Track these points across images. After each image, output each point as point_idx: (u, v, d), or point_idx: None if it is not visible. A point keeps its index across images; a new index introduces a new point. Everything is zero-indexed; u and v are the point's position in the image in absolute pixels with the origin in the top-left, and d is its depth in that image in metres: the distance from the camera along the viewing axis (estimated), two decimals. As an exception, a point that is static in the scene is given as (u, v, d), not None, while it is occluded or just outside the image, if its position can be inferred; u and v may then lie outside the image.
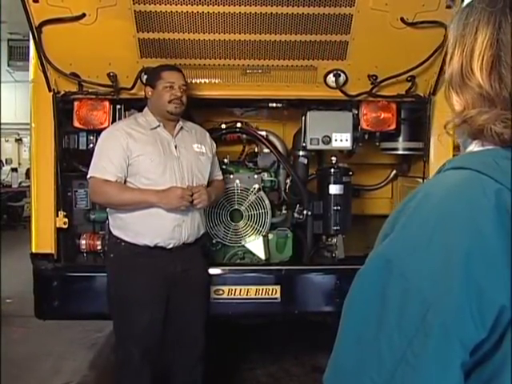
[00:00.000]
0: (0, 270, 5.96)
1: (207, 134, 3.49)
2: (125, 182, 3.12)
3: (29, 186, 3.90)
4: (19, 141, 16.15)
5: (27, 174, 12.57)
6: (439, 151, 3.76)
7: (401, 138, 3.95)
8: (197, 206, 3.15)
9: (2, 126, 15.70)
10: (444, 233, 0.84)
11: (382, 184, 4.46)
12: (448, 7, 3.13)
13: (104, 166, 3.10)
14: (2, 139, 15.68)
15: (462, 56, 0.95)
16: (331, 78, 3.56)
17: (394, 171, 4.41)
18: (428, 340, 0.81)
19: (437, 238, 0.84)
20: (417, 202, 0.90)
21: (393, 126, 3.78)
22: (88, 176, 3.17)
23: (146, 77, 3.40)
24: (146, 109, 3.31)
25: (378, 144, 3.98)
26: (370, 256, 0.93)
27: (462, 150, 1.00)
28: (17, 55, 14.47)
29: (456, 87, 0.98)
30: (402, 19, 3.19)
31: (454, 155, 3.93)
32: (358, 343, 0.87)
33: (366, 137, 3.86)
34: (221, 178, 3.57)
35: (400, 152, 4.02)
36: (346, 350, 0.90)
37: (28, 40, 3.57)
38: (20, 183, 12.26)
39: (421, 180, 3.85)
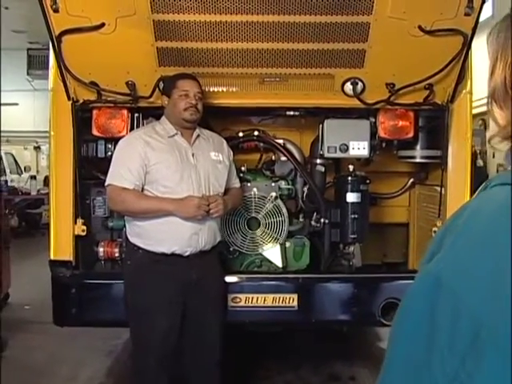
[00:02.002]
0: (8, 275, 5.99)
1: (224, 142, 3.50)
2: (142, 189, 3.14)
3: (47, 194, 3.93)
4: (37, 148, 16.33)
5: (45, 181, 12.68)
6: (457, 159, 3.73)
7: (418, 146, 3.92)
8: (213, 216, 3.16)
9: (21, 134, 15.93)
10: (496, 250, 0.81)
11: (400, 192, 4.42)
12: (466, 15, 3.11)
13: (122, 173, 3.12)
14: (21, 147, 15.87)
15: (504, 69, 0.93)
16: (349, 86, 3.55)
17: (412, 179, 4.37)
18: (482, 359, 0.79)
19: (488, 256, 0.81)
20: (465, 219, 0.87)
21: (410, 134, 3.76)
22: (106, 184, 3.19)
23: (162, 86, 3.42)
24: (163, 117, 3.34)
25: (395, 152, 3.96)
26: (417, 275, 0.90)
27: (507, 165, 0.97)
28: (36, 64, 14.65)
29: (499, 101, 0.95)
30: (419, 27, 3.17)
31: (472, 163, 3.90)
32: (406, 363, 0.85)
33: (384, 145, 3.84)
34: (238, 185, 3.57)
35: (418, 160, 3.99)
36: (395, 370, 0.88)
37: (47, 49, 3.61)
38: (38, 190, 12.34)
39: (438, 188, 3.82)
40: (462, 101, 3.68)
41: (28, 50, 14.81)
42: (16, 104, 16.19)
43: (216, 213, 3.14)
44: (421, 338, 0.84)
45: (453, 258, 0.85)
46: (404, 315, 0.89)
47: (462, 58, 3.35)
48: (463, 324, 0.80)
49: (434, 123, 3.83)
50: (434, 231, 3.74)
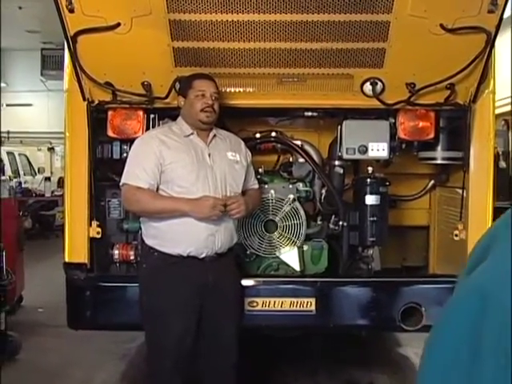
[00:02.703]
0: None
1: (242, 143, 3.50)
2: (157, 189, 3.15)
3: (61, 195, 3.96)
4: (51, 150, 16.45)
5: (59, 183, 12.79)
6: (479, 161, 3.71)
7: (439, 147, 3.90)
8: (234, 216, 3.17)
9: (35, 135, 16.07)
10: None
11: (420, 194, 4.41)
12: (490, 12, 3.09)
13: (137, 173, 3.14)
14: (35, 148, 16.00)
15: None
16: (368, 87, 3.54)
17: (432, 181, 4.36)
18: None
19: None
20: None
21: (431, 135, 3.74)
22: (121, 183, 3.21)
23: (178, 86, 3.43)
24: (179, 117, 3.36)
25: (415, 153, 3.94)
26: (461, 284, 0.88)
27: None
28: (50, 64, 14.77)
29: None
30: (441, 25, 3.15)
31: (494, 165, 3.87)
32: (447, 376, 0.83)
33: (404, 146, 3.82)
34: (257, 186, 3.58)
35: (439, 161, 3.98)
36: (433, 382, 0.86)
37: (61, 49, 3.64)
38: (52, 192, 12.45)
39: (460, 190, 3.79)
40: (485, 101, 3.66)
41: (42, 50, 14.93)
42: (30, 105, 16.36)
43: (238, 213, 3.15)
44: (463, 349, 0.81)
45: (500, 269, 0.81)
46: (446, 325, 0.86)
47: (485, 57, 3.33)
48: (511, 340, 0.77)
49: (455, 124, 3.81)
50: (455, 234, 3.72)
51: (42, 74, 15.26)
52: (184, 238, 3.11)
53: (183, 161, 3.14)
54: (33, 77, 15.63)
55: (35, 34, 13.70)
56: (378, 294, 3.67)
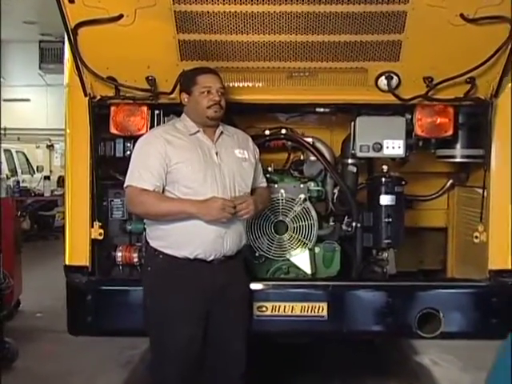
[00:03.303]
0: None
1: (249, 139, 3.52)
2: (163, 191, 3.16)
3: (61, 195, 3.98)
4: (51, 147, 16.49)
5: (59, 182, 12.84)
6: (501, 159, 3.69)
7: (458, 145, 3.90)
8: (243, 217, 3.18)
9: (33, 132, 16.13)
10: None
11: (438, 194, 4.42)
12: None
13: (141, 174, 3.14)
14: (33, 145, 16.05)
15: None
16: (383, 81, 3.54)
17: (451, 180, 4.36)
18: None
19: None
20: None
21: (450, 132, 3.74)
22: (124, 185, 3.22)
23: (180, 82, 3.42)
24: (183, 114, 3.36)
25: (433, 151, 3.95)
26: None
27: None
28: (48, 57, 14.76)
29: None
30: (461, 15, 3.14)
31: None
32: None
33: (421, 143, 3.84)
34: (265, 184, 3.59)
35: (458, 160, 3.97)
36: None
37: (61, 42, 3.66)
38: (52, 192, 12.49)
39: (480, 190, 3.79)
40: (508, 95, 3.64)
41: (40, 42, 14.94)
42: (27, 100, 16.42)
43: (246, 214, 3.15)
44: None
45: None
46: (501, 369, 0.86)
47: (509, 49, 3.31)
48: None
49: (475, 120, 3.80)
50: (475, 236, 3.72)
51: (40, 68, 15.27)
52: (191, 239, 3.12)
53: (189, 160, 3.14)
54: (30, 70, 15.64)
55: (33, 25, 13.70)
56: (394, 298, 3.66)
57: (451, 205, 4.48)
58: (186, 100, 3.30)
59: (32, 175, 14.78)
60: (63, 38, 3.54)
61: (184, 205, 3.11)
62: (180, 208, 3.11)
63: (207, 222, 3.09)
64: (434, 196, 4.43)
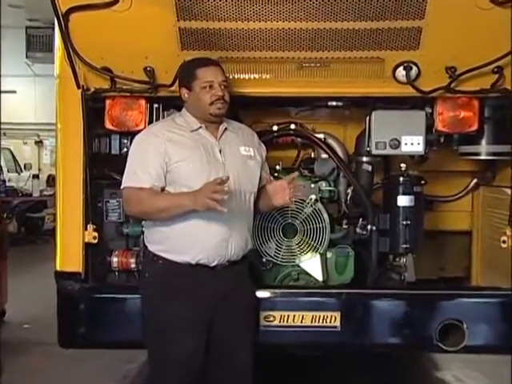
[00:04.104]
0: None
1: (255, 135, 3.55)
2: (162, 191, 3.18)
3: (51, 195, 4.00)
4: (39, 143, 16.52)
5: (49, 181, 12.88)
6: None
7: (484, 141, 3.93)
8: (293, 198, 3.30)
9: (20, 127, 16.16)
10: None
11: (461, 195, 4.43)
12: None
13: (138, 174, 3.16)
14: (20, 141, 16.09)
15: None
16: (401, 72, 3.56)
17: (475, 180, 4.38)
18: None
19: None
20: None
21: (474, 127, 3.77)
22: (122, 187, 3.24)
23: (179, 76, 3.42)
24: (183, 110, 3.38)
25: (455, 148, 3.98)
26: None
27: None
28: (36, 45, 14.55)
29: None
30: None
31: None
32: None
33: (442, 140, 3.86)
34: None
35: (483, 157, 4.00)
36: None
37: (50, 28, 3.67)
38: (41, 191, 12.53)
39: (508, 190, 3.80)
40: None
41: (27, 28, 14.82)
42: (13, 92, 16.45)
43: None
44: None
45: None
46: None
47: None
48: None
49: (502, 113, 3.82)
50: (503, 241, 3.71)
51: (27, 57, 15.18)
52: (193, 243, 3.14)
53: (191, 159, 3.17)
54: (16, 59, 15.56)
55: (19, 9, 13.68)
56: (412, 308, 3.68)
57: (476, 206, 4.50)
58: (186, 96, 3.31)
59: (19, 174, 14.81)
60: (53, 24, 3.53)
61: (177, 198, 3.12)
62: (174, 201, 3.11)
63: (210, 225, 3.11)
64: (456, 197, 4.44)
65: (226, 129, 3.35)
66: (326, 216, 3.93)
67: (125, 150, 3.70)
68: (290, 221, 3.92)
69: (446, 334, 3.60)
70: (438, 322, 3.59)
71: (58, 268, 3.72)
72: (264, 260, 3.91)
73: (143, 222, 3.49)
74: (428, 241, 4.04)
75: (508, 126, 3.78)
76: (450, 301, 3.74)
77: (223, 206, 2.93)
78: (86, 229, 3.67)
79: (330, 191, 4.07)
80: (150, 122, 3.69)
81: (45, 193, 12.54)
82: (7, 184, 12.58)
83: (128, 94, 3.64)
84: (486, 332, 3.68)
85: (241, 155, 3.33)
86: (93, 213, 3.72)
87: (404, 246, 3.88)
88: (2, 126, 15.33)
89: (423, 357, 5.44)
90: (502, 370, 4.53)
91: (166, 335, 3.18)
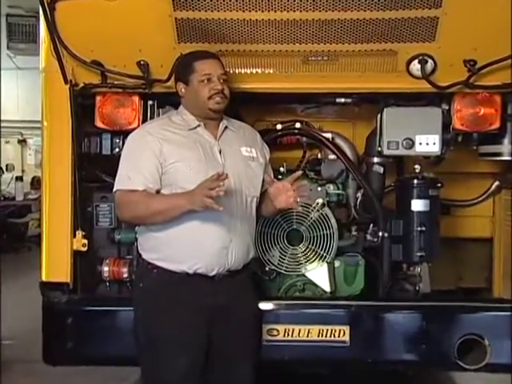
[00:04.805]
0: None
1: (257, 135, 3.57)
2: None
3: (36, 199, 4.01)
4: (23, 142, 16.49)
5: (33, 183, 12.88)
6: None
7: (506, 140, 3.93)
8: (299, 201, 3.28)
9: (2, 124, 16.13)
10: None
11: (481, 198, 4.42)
12: None
13: (131, 177, 3.18)
14: (2, 140, 16.07)
15: None
16: (416, 66, 3.58)
17: (497, 182, 4.37)
18: None
19: None
20: None
21: (496, 125, 3.78)
22: (113, 190, 3.25)
23: (176, 70, 3.45)
24: (181, 107, 3.41)
25: (475, 148, 3.98)
26: None
27: None
28: (18, 35, 14.34)
29: None
30: None
31: None
32: None
33: (460, 139, 3.87)
34: None
35: (505, 158, 4.00)
36: None
37: (33, 17, 3.68)
38: (25, 195, 12.52)
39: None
40: None
41: (7, 16, 14.66)
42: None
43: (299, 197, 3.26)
44: None
45: None
46: None
47: None
48: None
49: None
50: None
51: (8, 48, 15.11)
52: (190, 251, 3.15)
53: (189, 159, 3.18)
54: (-5, 50, 15.59)
55: (-1, -6, 13.65)
56: (428, 322, 3.69)
57: (497, 211, 4.50)
58: (183, 91, 3.34)
59: (0, 175, 14.81)
60: (37, 12, 3.54)
61: (173, 199, 3.13)
62: (169, 203, 3.12)
63: (209, 231, 3.13)
64: (476, 201, 4.43)
65: (226, 127, 3.37)
66: (333, 221, 3.94)
67: (117, 150, 3.73)
68: (294, 227, 3.94)
69: (465, 351, 3.61)
70: (457, 338, 3.61)
71: (43, 278, 3.74)
72: (267, 269, 3.93)
73: (137, 228, 3.51)
74: (445, 249, 4.04)
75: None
76: (470, 314, 3.74)
77: (223, 207, 2.95)
78: (74, 236, 3.70)
79: (338, 195, 4.08)
80: (144, 120, 3.72)
81: (29, 196, 12.54)
82: (-13, 187, 12.60)
83: (120, 90, 3.67)
84: (510, 349, 3.65)
85: (242, 156, 3.35)
86: (82, 218, 3.75)
87: (418, 254, 3.88)
88: (-18, 124, 15.40)
89: (441, 376, 5.43)
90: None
91: (161, 351, 3.19)
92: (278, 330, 3.61)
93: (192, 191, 3.04)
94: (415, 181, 3.88)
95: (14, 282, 8.32)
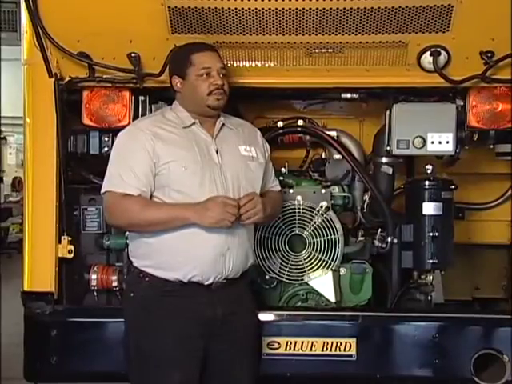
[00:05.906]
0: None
1: (258, 133, 3.59)
2: (151, 197, 3.22)
3: (17, 202, 4.00)
4: (3, 140, 16.49)
5: (14, 185, 12.86)
6: None
7: (526, 139, 3.94)
8: (248, 221, 3.21)
9: (-21, 121, 16.15)
10: None
11: (498, 201, 4.46)
12: None
13: (123, 177, 3.18)
14: (-21, 138, 16.07)
15: None
16: (428, 58, 3.58)
17: (515, 184, 4.40)
18: None
19: None
20: None
21: (514, 122, 3.78)
22: (102, 191, 3.26)
23: (170, 63, 3.46)
24: (175, 103, 3.42)
25: (492, 147, 4.01)
26: None
27: None
28: None
29: None
30: None
31: None
32: None
33: (476, 137, 3.88)
34: (278, 188, 3.65)
35: (524, 157, 4.02)
36: None
37: (13, 3, 3.67)
38: (5, 197, 12.51)
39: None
40: None
41: None
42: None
43: (255, 215, 3.19)
44: None
45: None
46: None
47: None
48: None
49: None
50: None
51: (-14, 37, 15.21)
52: (185, 258, 3.16)
53: (184, 159, 3.19)
54: (-27, 40, 15.60)
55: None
56: (441, 335, 3.68)
57: (516, 215, 4.51)
58: (178, 85, 3.35)
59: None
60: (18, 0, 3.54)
61: (176, 210, 3.15)
62: (172, 214, 3.14)
63: (205, 236, 3.14)
64: (493, 204, 4.47)
65: (223, 125, 3.38)
66: (338, 226, 3.95)
67: (105, 149, 3.75)
68: (297, 232, 3.95)
69: (482, 367, 3.59)
70: (473, 352, 3.59)
71: (25, 288, 3.74)
72: (267, 277, 3.94)
73: (127, 234, 3.52)
74: (459, 255, 4.06)
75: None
76: (487, 327, 3.72)
77: None
78: (59, 241, 3.71)
79: (344, 197, 4.09)
80: (136, 117, 3.73)
81: (10, 199, 12.52)
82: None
83: (109, 85, 3.68)
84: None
85: (240, 156, 3.37)
86: (68, 222, 3.76)
87: (431, 261, 3.89)
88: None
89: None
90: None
91: (153, 365, 3.20)
92: (279, 343, 3.61)
93: (204, 206, 3.08)
94: (427, 182, 3.89)
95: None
